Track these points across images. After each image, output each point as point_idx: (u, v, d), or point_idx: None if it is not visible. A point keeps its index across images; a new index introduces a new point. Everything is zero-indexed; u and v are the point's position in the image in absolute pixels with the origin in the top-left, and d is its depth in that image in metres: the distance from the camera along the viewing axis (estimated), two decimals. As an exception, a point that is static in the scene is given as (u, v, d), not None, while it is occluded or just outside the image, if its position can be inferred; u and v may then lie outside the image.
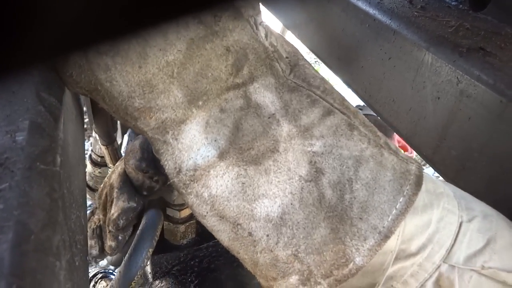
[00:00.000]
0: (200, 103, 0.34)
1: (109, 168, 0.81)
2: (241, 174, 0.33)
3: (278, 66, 0.37)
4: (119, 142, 0.78)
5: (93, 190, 0.93)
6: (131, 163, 0.45)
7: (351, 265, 0.32)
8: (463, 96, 0.44)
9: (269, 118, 0.35)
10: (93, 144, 0.92)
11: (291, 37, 0.79)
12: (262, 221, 0.33)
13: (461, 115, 0.45)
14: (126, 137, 0.85)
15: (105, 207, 0.48)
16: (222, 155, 0.34)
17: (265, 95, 0.36)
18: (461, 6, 0.53)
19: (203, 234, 0.63)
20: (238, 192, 0.33)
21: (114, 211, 0.45)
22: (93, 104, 0.57)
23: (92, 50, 0.32)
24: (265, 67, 0.36)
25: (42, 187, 0.23)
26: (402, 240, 0.34)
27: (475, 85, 0.42)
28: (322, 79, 0.39)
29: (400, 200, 0.33)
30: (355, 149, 0.34)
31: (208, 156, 0.34)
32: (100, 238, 0.49)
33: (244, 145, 0.34)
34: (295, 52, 0.40)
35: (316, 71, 0.40)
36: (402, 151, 0.37)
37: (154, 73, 0.33)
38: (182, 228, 0.60)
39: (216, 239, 0.63)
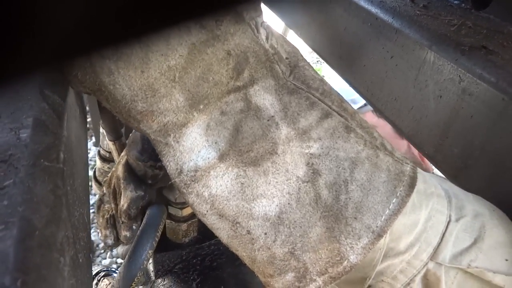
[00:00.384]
0: (201, 106, 0.35)
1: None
2: (240, 175, 0.34)
3: (278, 68, 0.38)
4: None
5: (102, 185, 0.94)
6: (132, 154, 0.46)
7: (345, 263, 0.33)
8: (465, 94, 0.44)
9: (268, 120, 0.35)
10: (101, 140, 0.92)
11: (293, 37, 0.79)
12: (260, 220, 0.34)
13: (463, 113, 0.45)
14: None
15: (115, 197, 0.49)
16: (222, 157, 0.34)
17: (265, 98, 0.36)
18: (463, 4, 0.53)
19: (205, 233, 0.63)
20: (237, 192, 0.34)
21: (124, 202, 0.46)
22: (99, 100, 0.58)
23: (95, 54, 0.32)
24: (265, 69, 0.37)
25: (46, 184, 0.23)
26: (390, 239, 0.35)
27: (477, 83, 0.42)
28: (321, 80, 0.39)
29: (393, 201, 0.34)
30: (352, 151, 0.35)
31: (208, 158, 0.34)
32: (114, 227, 0.49)
33: (243, 147, 0.35)
34: (295, 52, 0.40)
35: (316, 72, 0.40)
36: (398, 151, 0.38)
37: (156, 78, 0.33)
38: (184, 226, 0.60)
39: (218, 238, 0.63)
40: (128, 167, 0.47)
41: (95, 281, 0.55)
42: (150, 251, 0.46)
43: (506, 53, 0.44)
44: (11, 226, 0.20)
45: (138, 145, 0.46)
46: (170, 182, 0.56)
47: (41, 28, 0.14)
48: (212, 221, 0.35)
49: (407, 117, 0.53)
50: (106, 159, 0.90)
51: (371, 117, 1.11)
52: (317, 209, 0.34)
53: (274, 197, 0.34)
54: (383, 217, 0.33)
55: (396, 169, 0.35)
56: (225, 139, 0.35)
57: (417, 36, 0.49)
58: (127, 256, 0.46)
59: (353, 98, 1.21)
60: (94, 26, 0.15)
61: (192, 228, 0.62)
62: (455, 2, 0.54)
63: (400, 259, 0.35)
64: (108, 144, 0.74)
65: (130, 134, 0.49)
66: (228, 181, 0.34)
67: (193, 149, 0.35)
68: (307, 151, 0.35)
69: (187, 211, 0.60)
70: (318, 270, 0.34)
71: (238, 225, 0.34)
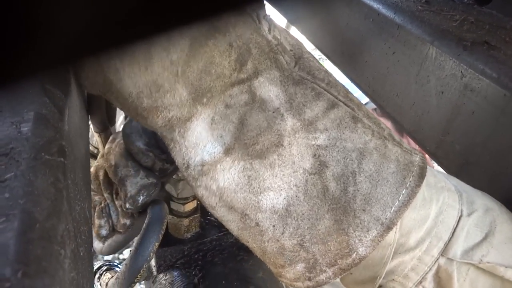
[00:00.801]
0: (205, 100, 0.35)
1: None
2: (247, 168, 0.34)
3: (283, 59, 0.37)
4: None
5: None
6: (135, 146, 0.46)
7: (354, 255, 0.33)
8: (467, 90, 0.44)
9: (273, 112, 0.35)
10: (90, 136, 0.91)
11: (295, 33, 0.79)
12: (268, 212, 0.34)
13: (465, 109, 0.45)
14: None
15: (106, 187, 0.48)
16: (227, 151, 0.34)
17: (270, 89, 0.36)
18: (465, 0, 0.53)
19: (207, 228, 0.64)
20: (244, 185, 0.34)
21: (131, 188, 0.45)
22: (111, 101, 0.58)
23: (102, 54, 0.32)
24: (269, 60, 0.37)
25: (46, 177, 0.23)
26: (400, 234, 0.34)
27: (479, 79, 0.42)
28: (326, 71, 0.39)
29: (403, 192, 0.33)
30: (359, 141, 0.34)
31: (214, 153, 0.34)
32: (110, 217, 0.49)
33: (249, 140, 0.34)
34: (299, 45, 0.40)
35: (321, 64, 0.40)
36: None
37: (159, 73, 0.33)
38: (186, 222, 0.61)
39: (219, 233, 0.63)
40: (130, 156, 0.47)
41: (97, 275, 0.55)
42: (156, 243, 0.46)
43: (509, 49, 0.43)
44: (12, 219, 0.20)
45: (142, 136, 0.45)
46: (172, 177, 0.57)
47: (45, 29, 0.14)
48: (221, 214, 0.35)
49: (408, 113, 0.53)
50: (94, 155, 0.90)
51: None
52: (325, 201, 0.33)
53: (281, 189, 0.34)
54: (393, 208, 0.33)
55: (405, 160, 0.35)
56: (230, 132, 0.35)
57: (419, 32, 0.49)
58: (133, 248, 0.46)
59: (356, 95, 1.21)
60: (98, 27, 0.15)
61: (194, 223, 0.62)
62: (458, -3, 0.54)
63: (411, 256, 0.34)
64: (96, 139, 0.73)
65: (123, 126, 0.49)
66: (235, 174, 0.34)
67: (198, 144, 0.35)
68: (313, 142, 0.34)
69: (189, 207, 0.60)
70: (328, 261, 0.33)
71: (246, 217, 0.34)
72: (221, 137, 0.34)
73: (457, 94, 0.45)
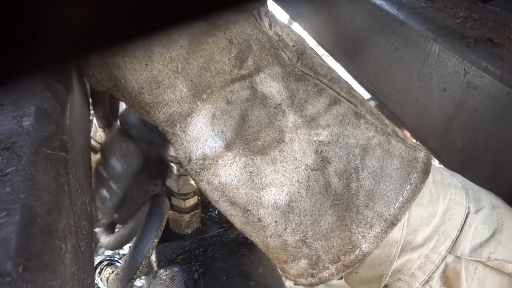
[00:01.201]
0: (204, 96, 0.35)
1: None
2: (248, 164, 0.34)
3: (284, 54, 0.37)
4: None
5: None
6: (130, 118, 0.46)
7: (357, 252, 0.33)
8: (470, 87, 0.44)
9: (275, 108, 0.35)
10: (93, 131, 0.92)
11: (297, 29, 0.78)
12: (270, 208, 0.34)
13: (468, 106, 0.44)
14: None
15: None
16: (228, 146, 0.34)
17: (271, 85, 0.36)
18: (469, -3, 0.53)
19: (208, 224, 0.64)
20: (246, 180, 0.34)
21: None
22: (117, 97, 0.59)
23: (107, 52, 0.33)
24: (270, 56, 0.37)
25: (48, 171, 0.23)
26: (407, 231, 0.34)
27: (482, 76, 0.42)
28: (329, 67, 0.39)
29: (407, 188, 0.33)
30: (362, 137, 0.34)
31: (215, 147, 0.34)
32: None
33: (250, 136, 0.35)
34: (302, 41, 0.40)
35: (323, 60, 0.39)
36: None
37: (159, 70, 0.34)
38: (187, 217, 0.60)
39: (220, 229, 0.63)
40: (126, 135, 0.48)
41: (97, 270, 0.56)
42: (156, 240, 0.46)
43: (512, 46, 0.43)
44: (13, 213, 0.20)
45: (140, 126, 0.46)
46: (173, 173, 0.57)
47: (47, 25, 0.14)
48: (224, 208, 0.36)
49: (410, 110, 0.53)
50: (97, 150, 0.90)
51: None
52: (327, 197, 0.33)
53: (283, 185, 0.34)
54: (396, 204, 0.32)
55: (409, 156, 0.34)
56: (231, 128, 0.35)
57: (422, 29, 0.49)
58: (132, 244, 0.46)
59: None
60: (99, 23, 0.15)
61: (194, 219, 0.62)
62: (461, -6, 0.54)
63: (418, 254, 0.34)
64: (100, 134, 0.74)
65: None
66: (236, 170, 0.34)
67: (200, 138, 0.35)
68: (315, 138, 0.34)
69: (190, 202, 0.60)
70: (331, 258, 0.33)
71: (249, 212, 0.34)
72: (222, 132, 0.35)
73: (460, 91, 0.45)
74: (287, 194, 0.33)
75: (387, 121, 0.37)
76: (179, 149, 0.36)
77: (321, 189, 0.33)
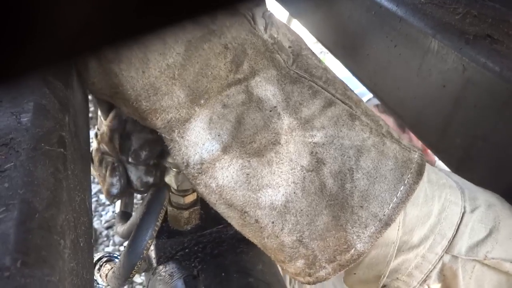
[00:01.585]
0: (202, 101, 0.36)
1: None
2: (245, 166, 0.35)
3: (280, 57, 0.38)
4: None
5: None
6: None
7: (352, 251, 0.33)
8: (469, 83, 0.44)
9: (270, 111, 0.36)
10: (98, 123, 0.91)
11: (297, 26, 0.78)
12: (267, 209, 0.34)
13: (467, 103, 0.44)
14: None
15: (115, 148, 0.49)
16: (225, 149, 0.35)
17: (266, 88, 0.36)
18: (468, -7, 0.53)
19: (207, 220, 0.64)
20: (243, 182, 0.34)
21: (135, 143, 0.46)
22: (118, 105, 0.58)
23: (104, 59, 0.34)
24: (265, 60, 0.37)
25: (46, 167, 0.23)
26: (403, 231, 0.34)
27: (481, 72, 0.42)
28: (325, 68, 0.39)
29: (401, 188, 0.33)
30: (357, 139, 0.35)
31: (212, 150, 0.35)
32: (123, 176, 0.49)
33: (246, 138, 0.35)
34: (299, 41, 0.40)
35: (320, 61, 0.40)
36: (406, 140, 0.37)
37: (156, 77, 0.34)
38: (186, 214, 0.61)
39: (219, 225, 0.63)
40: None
41: (97, 266, 0.56)
42: (150, 241, 0.46)
43: (511, 42, 0.43)
44: (11, 208, 0.20)
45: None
46: (172, 170, 0.57)
47: (46, 22, 0.14)
48: (222, 210, 0.36)
49: (410, 107, 0.53)
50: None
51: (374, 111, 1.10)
52: (322, 198, 0.34)
53: (279, 186, 0.34)
54: (391, 205, 0.33)
55: (403, 157, 0.35)
56: (227, 131, 0.35)
57: (421, 25, 0.49)
58: (127, 245, 0.46)
59: (361, 91, 1.20)
60: (95, 24, 0.15)
61: (194, 215, 0.62)
62: (461, -10, 0.53)
63: (415, 253, 0.34)
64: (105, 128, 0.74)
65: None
66: (233, 172, 0.34)
67: (197, 142, 0.35)
68: (310, 140, 0.35)
69: (189, 199, 0.60)
70: (327, 257, 0.34)
71: (246, 214, 0.35)
72: (218, 135, 0.35)
73: (459, 87, 0.45)
74: (283, 194, 0.34)
75: (382, 122, 0.37)
76: (177, 155, 0.36)
77: (317, 189, 0.34)
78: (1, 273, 0.17)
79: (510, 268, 0.34)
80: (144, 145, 0.45)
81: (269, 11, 0.39)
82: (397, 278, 0.36)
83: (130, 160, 0.46)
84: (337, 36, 0.67)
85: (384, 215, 0.33)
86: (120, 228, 0.57)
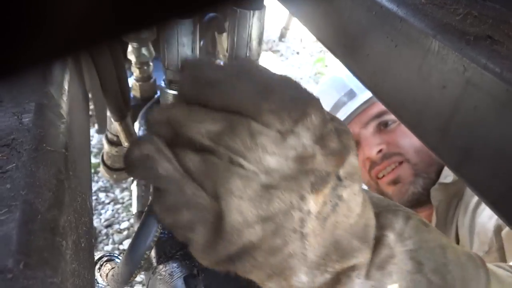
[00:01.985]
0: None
1: (125, 147, 0.80)
2: (373, 286, 0.40)
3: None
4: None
5: (111, 169, 0.94)
6: None
7: None
8: (469, 84, 0.44)
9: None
10: (108, 124, 0.92)
11: (297, 24, 0.78)
12: None
13: (467, 104, 0.44)
14: (136, 124, 0.85)
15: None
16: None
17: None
18: (469, -7, 0.53)
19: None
20: None
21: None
22: (101, 79, 0.56)
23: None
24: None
25: (48, 168, 0.23)
26: None
27: (482, 73, 0.42)
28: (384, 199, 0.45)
29: (481, 272, 0.41)
30: (436, 239, 0.42)
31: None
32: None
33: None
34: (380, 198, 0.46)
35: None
36: None
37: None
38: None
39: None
40: None
41: (97, 266, 0.56)
42: (147, 252, 0.45)
43: (512, 43, 0.43)
44: (14, 210, 0.20)
45: None
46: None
47: (46, 24, 0.14)
48: None
49: (409, 108, 0.53)
50: (114, 142, 0.90)
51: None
52: None
53: None
54: (484, 285, 0.40)
55: (464, 252, 0.42)
56: None
57: (422, 25, 0.49)
58: (128, 246, 0.46)
59: (357, 90, 1.20)
60: (95, 21, 0.15)
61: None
62: (461, -9, 0.53)
63: None
64: (115, 127, 0.73)
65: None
66: None
67: None
68: (406, 248, 0.40)
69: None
70: None
71: None
72: None
73: (459, 88, 0.45)
74: None
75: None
76: None
77: (426, 287, 0.39)
78: (4, 275, 0.17)
79: None
80: None
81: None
82: None
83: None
84: (337, 36, 0.67)
85: None
86: (137, 223, 0.57)
